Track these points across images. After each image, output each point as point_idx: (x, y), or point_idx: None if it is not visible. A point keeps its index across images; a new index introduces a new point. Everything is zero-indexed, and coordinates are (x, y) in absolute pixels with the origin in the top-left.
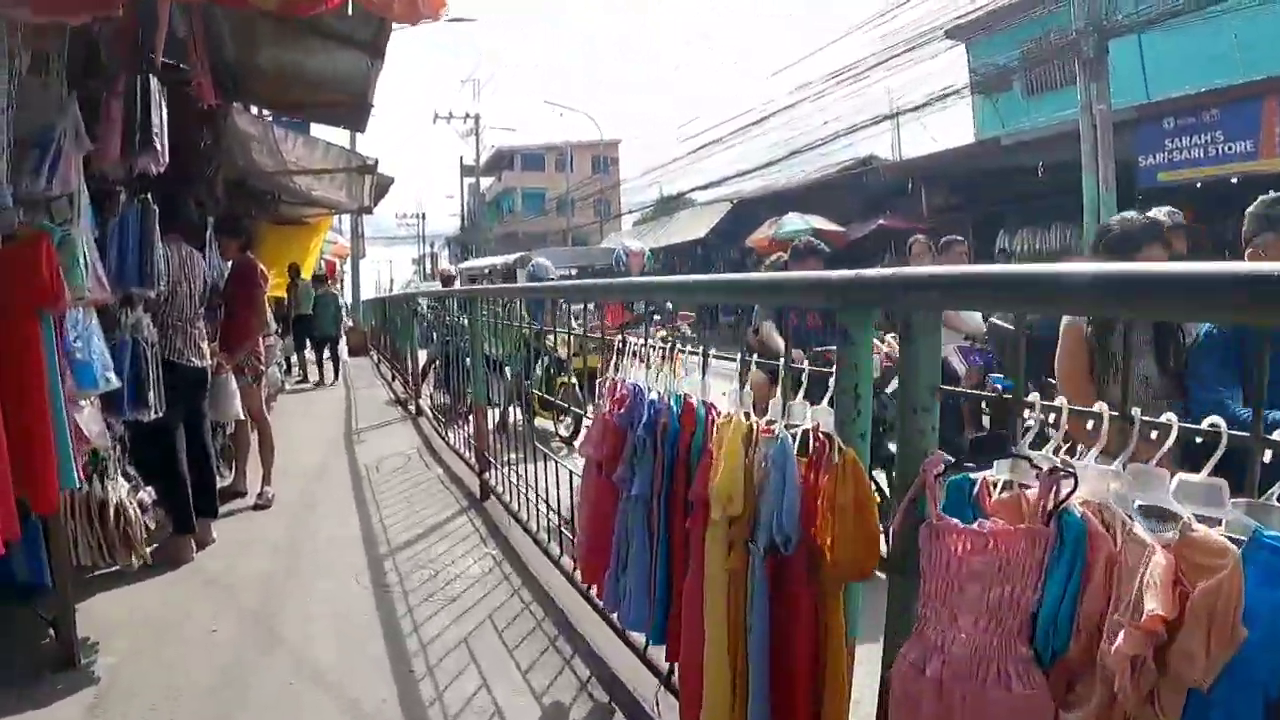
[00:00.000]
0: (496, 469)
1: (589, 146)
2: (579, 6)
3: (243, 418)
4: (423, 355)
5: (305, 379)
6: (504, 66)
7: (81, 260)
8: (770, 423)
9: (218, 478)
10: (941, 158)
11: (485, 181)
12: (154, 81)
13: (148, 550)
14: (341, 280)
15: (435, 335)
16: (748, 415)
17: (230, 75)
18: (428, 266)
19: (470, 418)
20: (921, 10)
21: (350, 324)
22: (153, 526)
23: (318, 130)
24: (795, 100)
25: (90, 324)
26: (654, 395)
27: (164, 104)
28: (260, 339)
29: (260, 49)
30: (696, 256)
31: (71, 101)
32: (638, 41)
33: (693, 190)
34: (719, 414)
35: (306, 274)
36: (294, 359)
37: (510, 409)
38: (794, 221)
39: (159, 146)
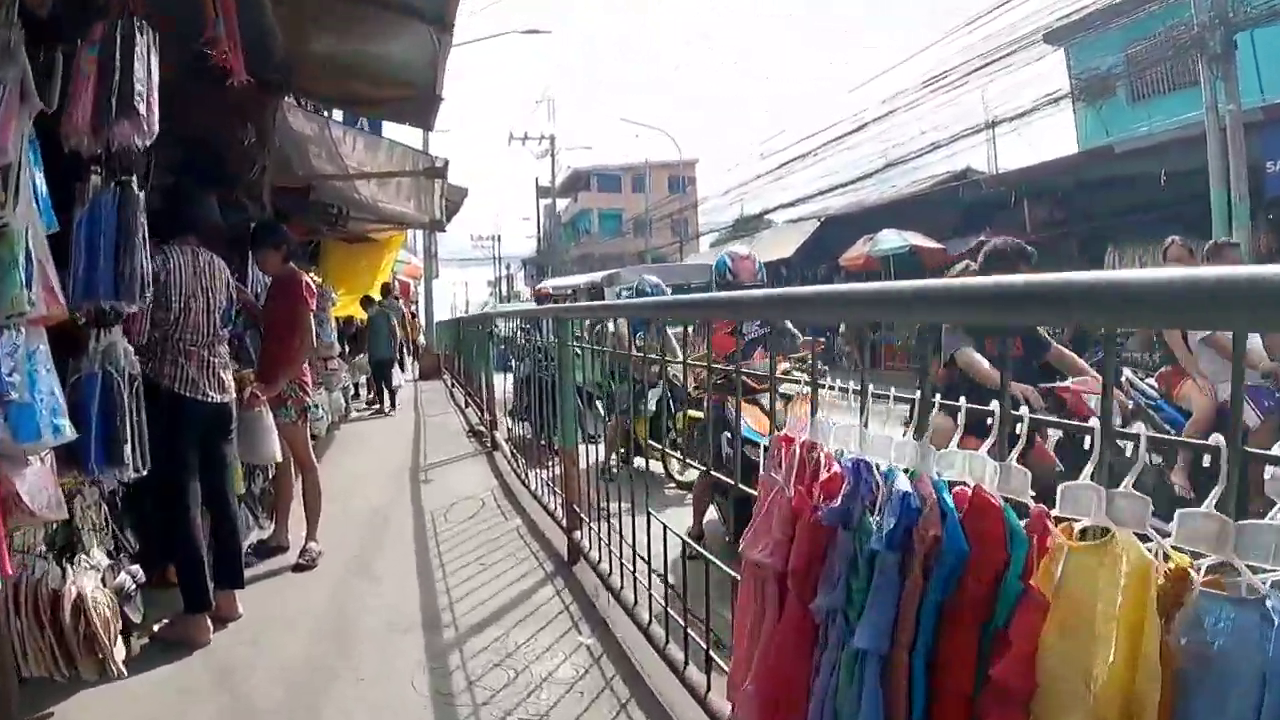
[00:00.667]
0: (589, 524)
1: (666, 166)
2: (653, 27)
3: (281, 459)
4: (501, 380)
5: (380, 406)
6: (580, 84)
7: (21, 260)
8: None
9: (256, 529)
10: (1046, 168)
11: (561, 203)
12: (142, 27)
13: (136, 643)
14: (416, 301)
15: (515, 360)
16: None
17: (280, 68)
18: (503, 288)
19: (556, 458)
20: (1016, 14)
21: (423, 345)
22: (137, 620)
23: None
24: (887, 111)
25: (36, 351)
26: (902, 482)
27: (154, 57)
28: (307, 365)
29: (312, 33)
30: (781, 277)
31: (20, 48)
32: (712, 61)
33: (779, 208)
34: (1050, 524)
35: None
36: (363, 383)
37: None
38: (890, 238)
39: (142, 112)
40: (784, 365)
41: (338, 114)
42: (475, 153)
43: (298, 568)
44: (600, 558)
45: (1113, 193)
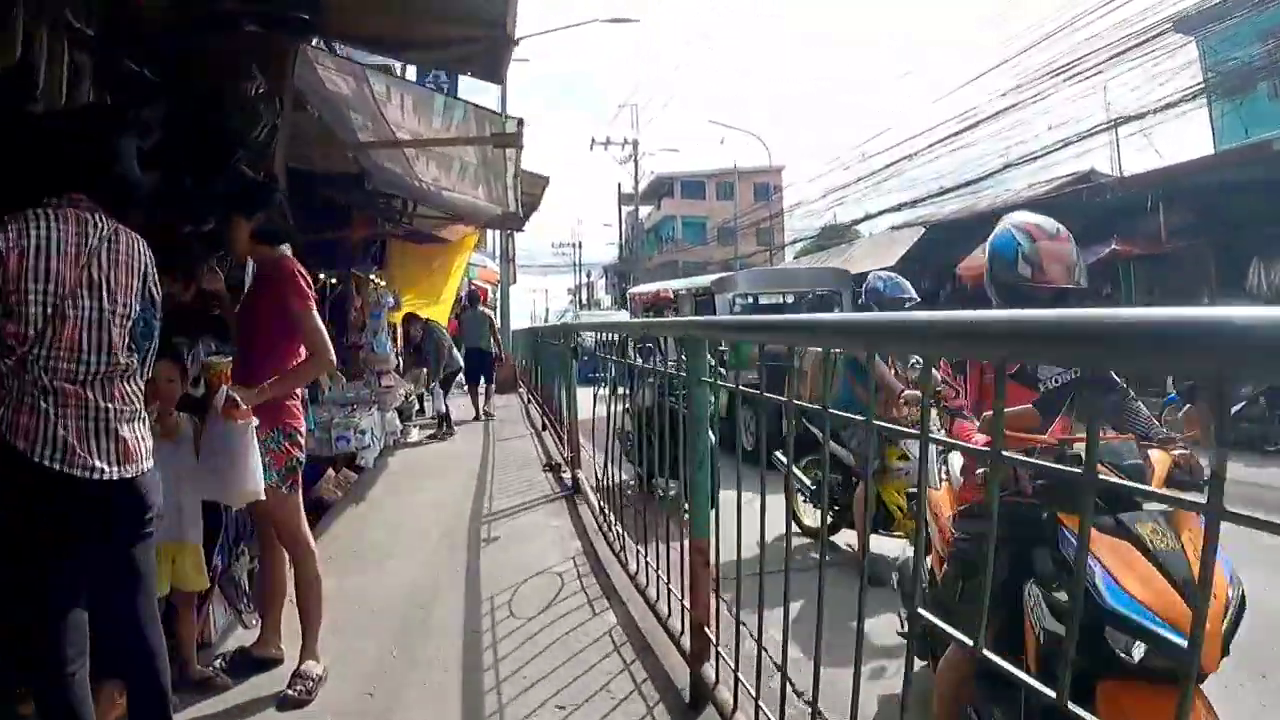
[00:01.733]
0: (727, 660)
1: (752, 173)
2: (740, 24)
3: (265, 498)
4: (586, 399)
5: (445, 431)
6: (665, 83)
7: None
8: None
9: (238, 624)
10: (1185, 168)
11: (644, 210)
12: None
13: None
14: (494, 308)
15: (605, 379)
16: None
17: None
18: (583, 296)
19: (672, 524)
20: (1142, 4)
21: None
22: None
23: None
24: (1004, 108)
25: None
26: None
27: None
28: (298, 403)
29: None
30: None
31: None
32: (800, 59)
33: (882, 213)
34: None
35: (446, 301)
36: (428, 399)
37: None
38: None
39: None
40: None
41: (373, 58)
42: (556, 158)
43: (284, 704)
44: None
45: (1265, 197)
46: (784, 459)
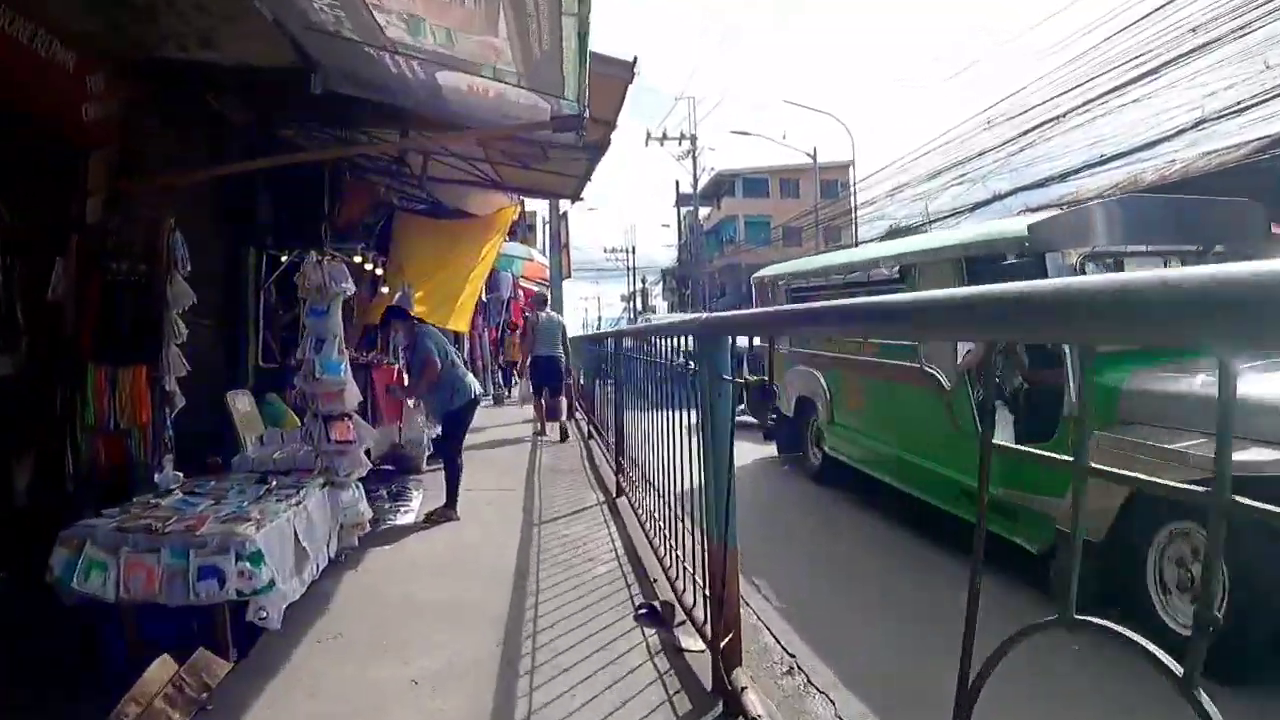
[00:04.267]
0: None
1: (821, 169)
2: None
3: None
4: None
5: (443, 511)
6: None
7: None
8: None
9: None
10: None
11: (703, 210)
12: None
13: None
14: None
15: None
16: None
17: None
18: (638, 303)
19: None
20: None
21: (568, 365)
22: None
23: None
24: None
25: None
26: None
27: None
28: None
29: None
30: None
31: None
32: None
33: (1014, 191)
34: None
35: (466, 304)
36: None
37: None
38: None
39: None
40: None
41: None
42: (610, 156)
43: None
44: None
45: None
46: None
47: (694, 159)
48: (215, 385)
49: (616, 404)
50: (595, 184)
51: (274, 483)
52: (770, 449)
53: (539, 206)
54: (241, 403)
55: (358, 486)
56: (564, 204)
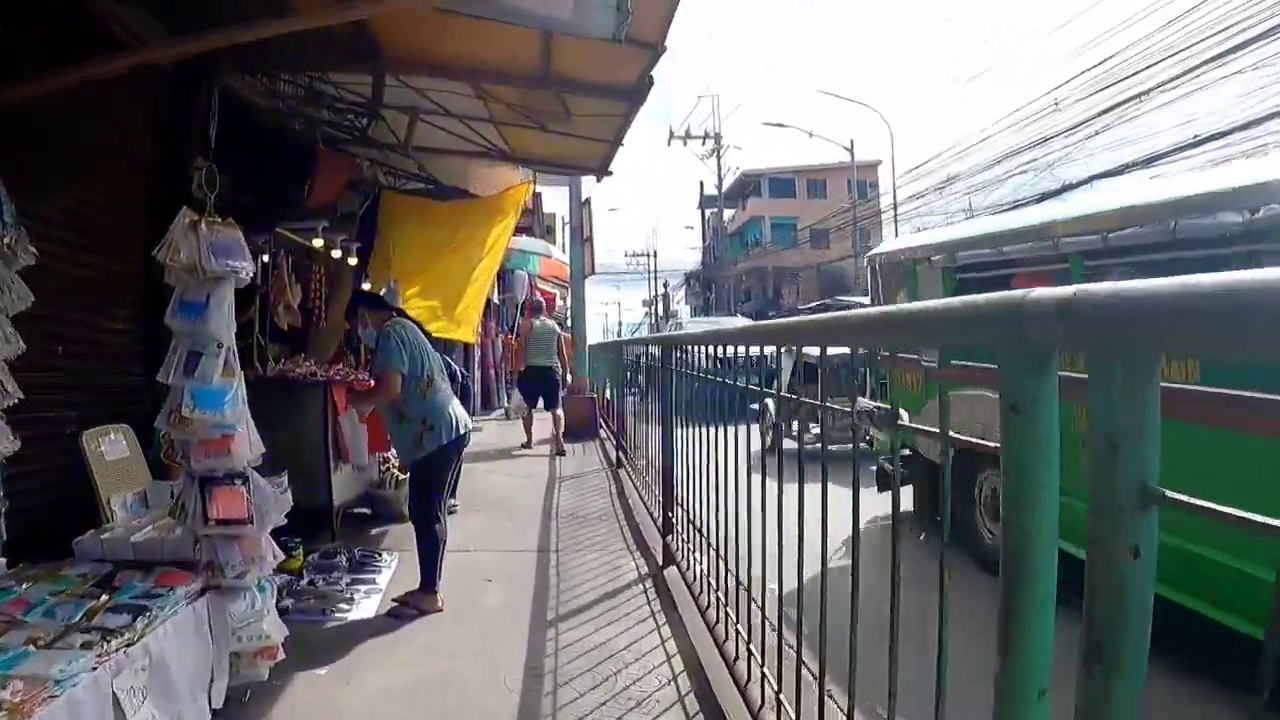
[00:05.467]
0: None
1: (847, 169)
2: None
3: None
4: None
5: (419, 599)
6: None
7: None
8: None
9: None
10: None
11: (728, 212)
12: None
13: None
14: (565, 319)
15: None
16: None
17: None
18: (659, 308)
19: None
20: None
21: (564, 373)
22: None
23: None
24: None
25: None
26: None
27: None
28: None
29: None
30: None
31: None
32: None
33: (1089, 180)
34: None
35: (472, 305)
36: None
37: None
38: None
39: None
40: None
41: None
42: (632, 157)
43: None
44: None
45: None
46: None
47: (718, 158)
48: (91, 418)
49: (664, 442)
50: (615, 184)
51: (105, 599)
52: (883, 501)
53: (558, 206)
54: (108, 445)
55: (263, 587)
56: (586, 189)
